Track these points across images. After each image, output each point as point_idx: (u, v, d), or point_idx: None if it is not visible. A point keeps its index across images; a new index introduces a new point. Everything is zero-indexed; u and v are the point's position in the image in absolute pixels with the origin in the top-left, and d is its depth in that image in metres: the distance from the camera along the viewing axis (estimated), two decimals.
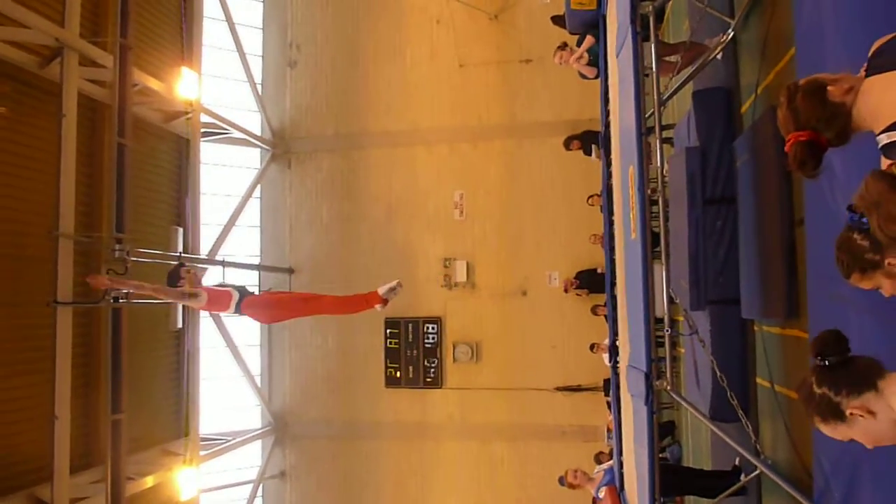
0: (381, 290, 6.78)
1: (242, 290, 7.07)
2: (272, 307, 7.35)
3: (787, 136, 2.19)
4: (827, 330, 2.02)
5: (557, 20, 9.81)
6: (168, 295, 6.96)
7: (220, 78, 14.42)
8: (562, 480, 9.11)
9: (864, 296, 3.35)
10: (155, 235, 11.45)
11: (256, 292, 7.18)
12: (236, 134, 14.07)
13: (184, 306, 11.63)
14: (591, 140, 11.43)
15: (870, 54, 2.17)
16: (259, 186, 15.27)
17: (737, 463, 6.06)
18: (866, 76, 2.14)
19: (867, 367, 1.93)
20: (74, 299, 9.22)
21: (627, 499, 6.69)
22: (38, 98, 9.30)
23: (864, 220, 1.97)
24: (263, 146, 15.08)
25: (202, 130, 12.74)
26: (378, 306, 6.84)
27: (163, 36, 12.04)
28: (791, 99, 2.20)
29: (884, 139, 2.08)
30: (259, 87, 15.25)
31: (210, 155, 13.93)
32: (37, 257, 9.07)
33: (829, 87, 2.17)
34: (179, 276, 6.82)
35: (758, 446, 4.64)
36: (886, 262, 1.92)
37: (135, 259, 9.56)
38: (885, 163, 2.10)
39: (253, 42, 15.32)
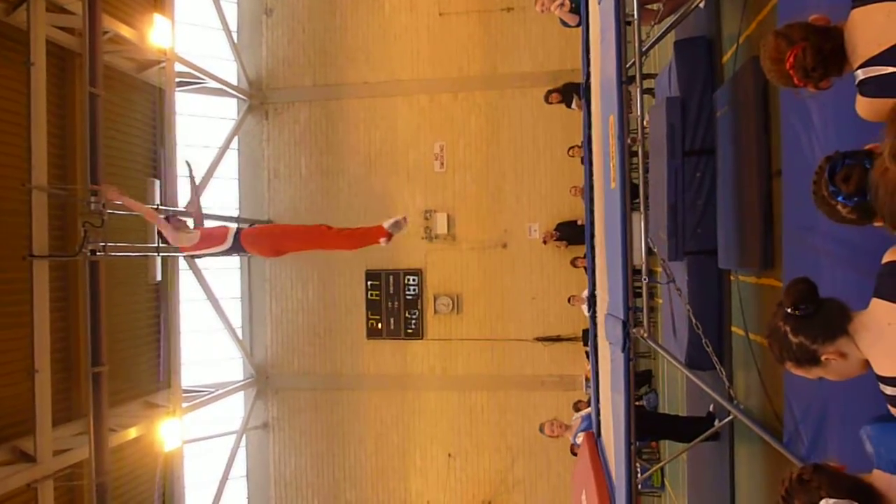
0: (387, 224, 6.72)
1: (238, 226, 6.93)
2: (275, 238, 7.18)
3: (785, 56, 2.13)
4: (798, 279, 2.04)
5: None
6: (159, 223, 6.81)
7: (194, 26, 14.05)
8: (542, 428, 9.35)
9: (837, 246, 3.40)
10: (131, 188, 11.24)
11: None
12: (212, 84, 13.77)
13: (163, 259, 11.57)
14: (572, 92, 11.35)
15: None
16: (237, 138, 15.05)
17: (711, 409, 6.21)
18: (852, 8, 2.09)
19: (838, 312, 1.99)
20: (50, 252, 9.13)
21: (604, 444, 6.84)
22: (5, 46, 9.03)
23: (848, 160, 1.94)
24: (240, 96, 14.80)
25: (177, 80, 12.47)
26: (382, 240, 6.76)
27: None
28: (778, 32, 2.17)
29: (860, 75, 2.05)
30: (235, 36, 14.89)
31: (186, 105, 13.66)
32: (10, 210, 8.93)
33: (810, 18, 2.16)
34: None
35: (731, 392, 4.75)
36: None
37: (111, 211, 9.45)
38: (859, 100, 2.08)
39: None
